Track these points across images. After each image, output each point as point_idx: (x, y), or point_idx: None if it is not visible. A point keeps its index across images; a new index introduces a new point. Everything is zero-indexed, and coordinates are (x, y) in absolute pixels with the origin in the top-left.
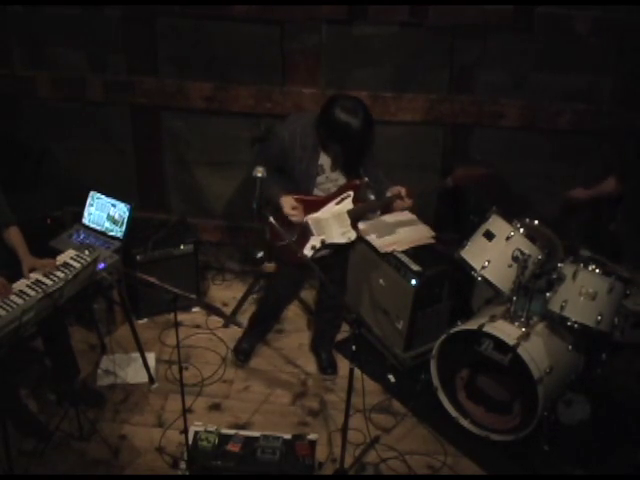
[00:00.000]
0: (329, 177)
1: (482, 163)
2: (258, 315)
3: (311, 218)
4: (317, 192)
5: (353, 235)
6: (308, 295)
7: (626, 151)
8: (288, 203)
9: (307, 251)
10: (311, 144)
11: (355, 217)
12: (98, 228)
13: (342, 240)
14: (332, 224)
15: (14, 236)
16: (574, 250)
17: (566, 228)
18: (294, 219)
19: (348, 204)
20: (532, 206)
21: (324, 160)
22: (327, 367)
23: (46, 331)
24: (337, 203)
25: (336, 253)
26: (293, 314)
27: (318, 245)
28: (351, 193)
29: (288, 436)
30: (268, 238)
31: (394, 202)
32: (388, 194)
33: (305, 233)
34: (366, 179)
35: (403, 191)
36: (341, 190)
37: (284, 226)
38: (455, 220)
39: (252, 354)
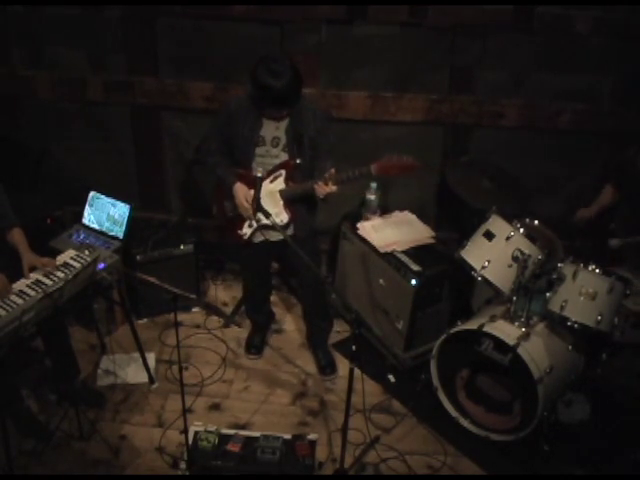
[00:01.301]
0: (269, 152)
1: (472, 163)
2: (247, 308)
3: None
4: (255, 166)
5: (285, 218)
6: None
7: (624, 158)
8: (242, 193)
9: (245, 229)
10: (255, 111)
11: (286, 198)
12: (98, 228)
13: (275, 221)
14: (265, 203)
15: (17, 236)
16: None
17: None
18: (244, 213)
19: (280, 183)
20: (532, 206)
21: (266, 132)
22: (326, 367)
23: (46, 331)
24: (271, 181)
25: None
26: (292, 314)
27: (254, 224)
28: (283, 172)
29: (288, 436)
30: (215, 214)
31: (316, 186)
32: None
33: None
34: (298, 161)
35: (328, 176)
36: (275, 168)
37: (227, 201)
38: (455, 220)
39: (264, 346)
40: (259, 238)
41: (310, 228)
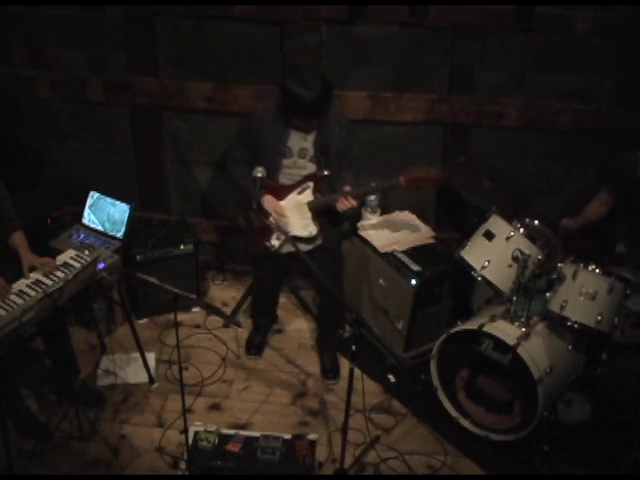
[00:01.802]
0: (296, 163)
1: (472, 163)
2: (254, 308)
3: None
4: (282, 177)
5: (314, 230)
6: (308, 295)
7: (623, 161)
8: (272, 205)
9: (274, 241)
10: (282, 122)
11: (315, 210)
12: (98, 228)
13: (303, 233)
14: (293, 215)
15: (18, 239)
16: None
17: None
18: (278, 222)
19: (308, 195)
20: (532, 206)
21: (294, 143)
22: (329, 372)
23: (46, 331)
24: (299, 193)
25: (318, 252)
26: (293, 314)
27: (283, 236)
28: (311, 184)
29: (288, 436)
30: (243, 225)
31: (339, 200)
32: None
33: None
34: (326, 172)
35: (349, 190)
36: (304, 180)
37: (253, 213)
38: (455, 220)
39: (264, 346)
40: (287, 249)
41: (336, 238)
